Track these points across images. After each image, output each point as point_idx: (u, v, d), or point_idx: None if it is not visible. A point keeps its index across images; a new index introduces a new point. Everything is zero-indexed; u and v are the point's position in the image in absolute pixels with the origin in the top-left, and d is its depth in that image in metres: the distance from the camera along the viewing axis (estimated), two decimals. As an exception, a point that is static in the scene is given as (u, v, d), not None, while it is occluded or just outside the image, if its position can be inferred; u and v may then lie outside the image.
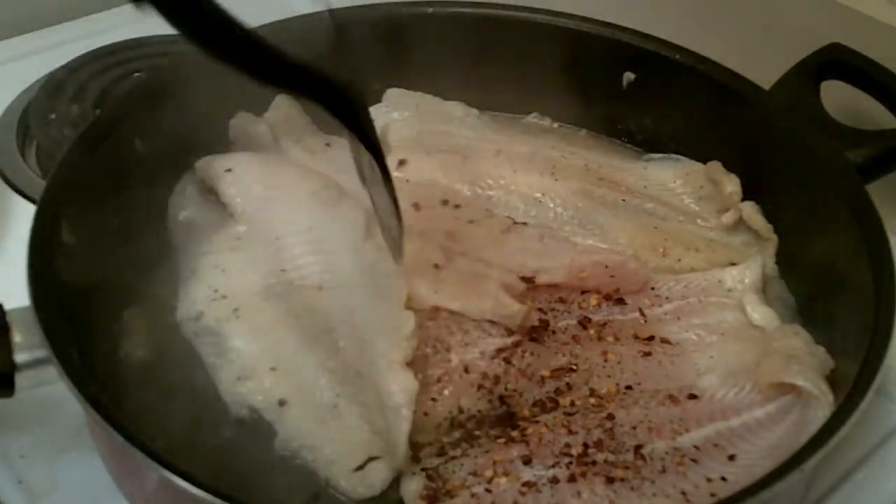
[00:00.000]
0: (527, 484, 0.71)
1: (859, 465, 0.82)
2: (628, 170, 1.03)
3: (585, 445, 0.74)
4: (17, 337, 0.68)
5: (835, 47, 0.96)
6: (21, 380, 0.68)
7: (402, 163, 1.01)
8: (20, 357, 0.68)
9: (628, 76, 1.05)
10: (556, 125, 1.10)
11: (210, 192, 0.94)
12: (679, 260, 0.94)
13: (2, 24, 1.31)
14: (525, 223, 0.96)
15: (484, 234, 0.93)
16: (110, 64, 1.23)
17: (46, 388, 0.69)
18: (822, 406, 0.74)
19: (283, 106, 1.04)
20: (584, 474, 0.72)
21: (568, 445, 0.74)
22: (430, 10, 1.06)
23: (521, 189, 0.99)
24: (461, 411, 0.79)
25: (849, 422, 0.66)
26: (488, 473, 0.72)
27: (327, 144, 1.03)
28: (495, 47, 1.04)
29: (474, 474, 0.73)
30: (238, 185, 0.92)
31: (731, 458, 0.74)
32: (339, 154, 1.01)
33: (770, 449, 0.75)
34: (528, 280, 0.89)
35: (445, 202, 0.97)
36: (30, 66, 1.23)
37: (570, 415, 0.78)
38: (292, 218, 0.89)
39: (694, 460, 0.73)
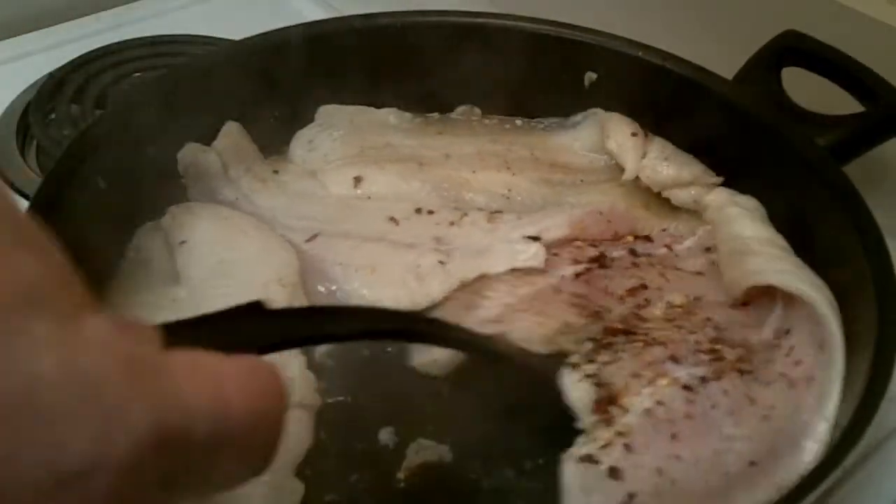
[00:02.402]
0: (686, 387, 0.72)
1: (859, 465, 0.82)
2: (567, 148, 1.03)
3: (711, 342, 0.77)
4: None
5: (790, 34, 0.96)
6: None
7: (358, 180, 0.98)
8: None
9: (590, 76, 1.04)
10: (486, 121, 1.09)
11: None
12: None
13: (2, 24, 1.30)
14: (499, 211, 0.95)
15: (470, 230, 0.91)
16: (110, 64, 1.23)
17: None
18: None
19: (232, 133, 1.01)
20: (723, 370, 0.74)
21: (698, 342, 0.76)
22: (357, 24, 1.04)
23: (485, 187, 0.98)
24: (568, 327, 0.79)
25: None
26: (648, 374, 0.73)
27: (275, 171, 1.00)
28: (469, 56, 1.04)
29: (635, 376, 0.73)
30: (190, 257, 0.87)
31: (788, 332, 0.78)
32: (289, 180, 0.99)
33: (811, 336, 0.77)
34: (534, 238, 0.88)
35: (419, 210, 0.95)
36: (30, 66, 1.22)
37: (672, 320, 0.80)
38: (233, 301, 0.82)
39: (775, 346, 0.77)
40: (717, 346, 0.76)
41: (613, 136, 0.99)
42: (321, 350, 0.83)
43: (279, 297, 0.84)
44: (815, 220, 0.87)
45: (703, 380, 0.73)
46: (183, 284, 0.86)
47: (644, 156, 0.97)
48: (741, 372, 0.74)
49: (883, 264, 0.77)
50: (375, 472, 0.75)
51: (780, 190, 0.91)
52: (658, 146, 0.98)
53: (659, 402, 0.71)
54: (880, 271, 0.77)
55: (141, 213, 0.92)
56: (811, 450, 0.70)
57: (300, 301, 0.85)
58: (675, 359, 0.75)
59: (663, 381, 0.73)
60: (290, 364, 0.80)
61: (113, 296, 0.86)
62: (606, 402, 0.72)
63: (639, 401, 0.72)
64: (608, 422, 0.71)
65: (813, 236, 0.86)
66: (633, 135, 0.98)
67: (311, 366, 0.80)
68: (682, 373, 0.73)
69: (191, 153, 0.97)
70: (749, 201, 0.91)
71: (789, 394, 0.73)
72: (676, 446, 0.69)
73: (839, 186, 0.85)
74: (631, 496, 0.66)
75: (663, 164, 0.96)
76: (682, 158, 0.97)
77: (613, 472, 0.68)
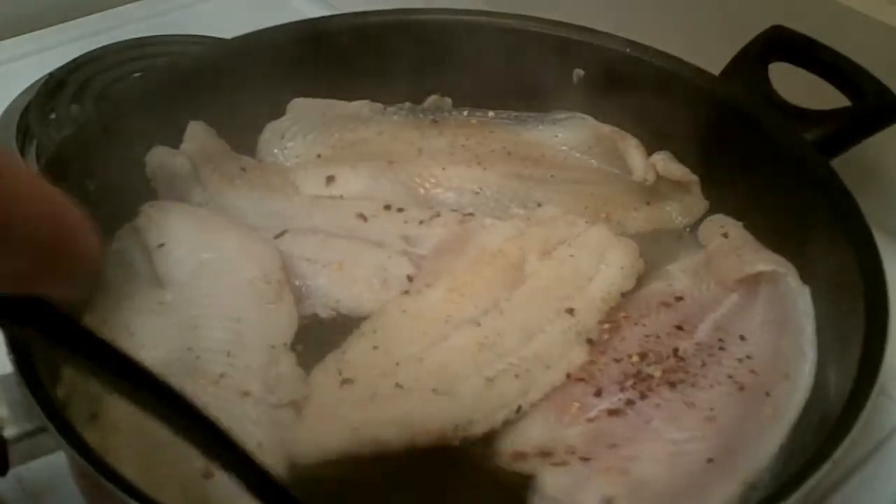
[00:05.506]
0: (613, 413, 0.75)
1: (859, 465, 0.83)
2: (543, 142, 1.03)
3: (636, 365, 0.79)
4: (2, 410, 0.63)
5: (777, 29, 0.96)
6: (13, 455, 0.63)
7: (330, 179, 0.98)
8: (9, 431, 0.63)
9: (578, 73, 1.04)
10: (465, 112, 1.08)
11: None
12: (619, 223, 0.96)
13: (2, 24, 1.31)
14: (471, 214, 0.95)
15: (441, 231, 0.91)
16: (110, 64, 1.25)
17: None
18: (791, 274, 0.83)
19: (199, 133, 0.98)
20: (650, 388, 0.77)
21: (623, 372, 0.79)
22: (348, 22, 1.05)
23: (454, 184, 0.98)
24: None
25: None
26: (573, 409, 0.76)
27: (242, 168, 0.98)
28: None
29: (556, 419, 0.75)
30: (170, 260, 0.85)
31: (742, 338, 0.81)
32: (257, 178, 0.97)
33: (764, 324, 0.82)
34: None
35: (388, 207, 0.94)
36: (30, 66, 1.24)
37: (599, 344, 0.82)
38: (221, 301, 0.83)
39: (720, 348, 0.80)
40: (642, 367, 0.78)
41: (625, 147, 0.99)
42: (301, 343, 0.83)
43: (267, 295, 0.83)
44: (802, 214, 0.87)
45: (630, 402, 0.76)
46: (168, 288, 0.84)
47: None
48: (671, 384, 0.77)
49: (871, 257, 0.77)
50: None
51: (768, 185, 0.91)
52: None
53: (592, 426, 0.74)
54: (868, 265, 0.77)
55: (130, 216, 0.91)
56: (765, 449, 0.72)
57: (288, 298, 0.84)
58: (597, 393, 0.77)
59: (590, 414, 0.75)
60: (281, 361, 0.80)
61: (99, 300, 0.83)
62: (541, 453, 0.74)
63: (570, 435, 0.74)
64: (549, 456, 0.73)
65: (801, 230, 0.87)
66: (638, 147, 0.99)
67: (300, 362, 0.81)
68: (606, 404, 0.76)
69: (158, 157, 0.94)
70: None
71: (734, 397, 0.76)
72: (629, 449, 0.72)
73: (826, 181, 0.85)
74: (608, 500, 0.68)
75: (675, 161, 0.97)
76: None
77: (585, 481, 0.70)
